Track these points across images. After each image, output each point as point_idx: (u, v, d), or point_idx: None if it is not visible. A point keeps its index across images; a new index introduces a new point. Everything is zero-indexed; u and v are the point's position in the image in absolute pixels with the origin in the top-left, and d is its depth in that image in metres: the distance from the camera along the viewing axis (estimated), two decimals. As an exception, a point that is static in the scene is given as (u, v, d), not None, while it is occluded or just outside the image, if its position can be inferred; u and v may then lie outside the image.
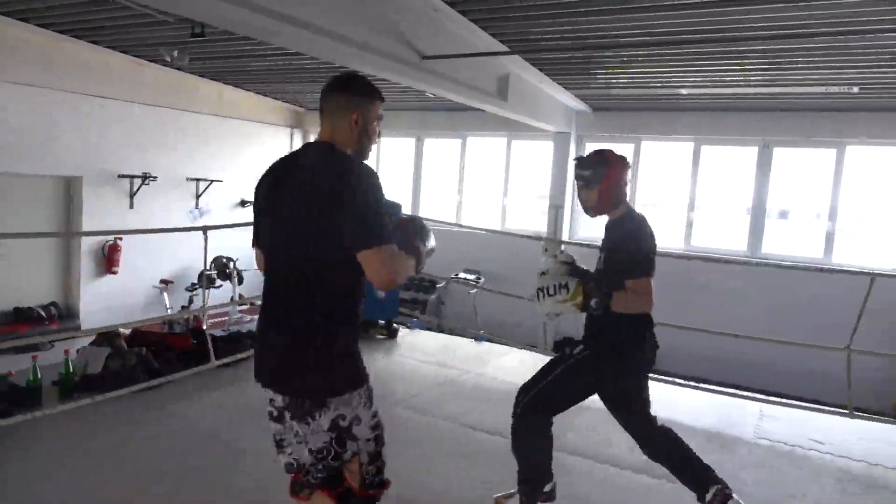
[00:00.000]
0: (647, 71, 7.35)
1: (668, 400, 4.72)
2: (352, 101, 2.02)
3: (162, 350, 4.39)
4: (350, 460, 2.02)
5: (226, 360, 4.56)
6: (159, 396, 4.07)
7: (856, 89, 7.17)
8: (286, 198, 1.97)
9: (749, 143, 8.99)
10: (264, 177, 2.08)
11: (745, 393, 5.08)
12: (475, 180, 11.18)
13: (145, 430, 3.66)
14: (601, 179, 2.80)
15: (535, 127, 9.27)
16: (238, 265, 9.71)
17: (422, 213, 11.18)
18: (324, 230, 1.88)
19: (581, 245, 9.80)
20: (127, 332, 4.60)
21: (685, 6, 5.06)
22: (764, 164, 8.99)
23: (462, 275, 10.38)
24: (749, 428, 4.28)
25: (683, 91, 8.04)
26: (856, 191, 8.69)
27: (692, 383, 5.19)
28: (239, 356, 4.70)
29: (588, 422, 4.20)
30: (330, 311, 1.97)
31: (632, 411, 2.80)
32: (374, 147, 2.13)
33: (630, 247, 2.71)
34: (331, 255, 1.90)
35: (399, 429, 3.95)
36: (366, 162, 2.05)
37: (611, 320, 2.71)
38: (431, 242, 2.14)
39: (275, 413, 2.02)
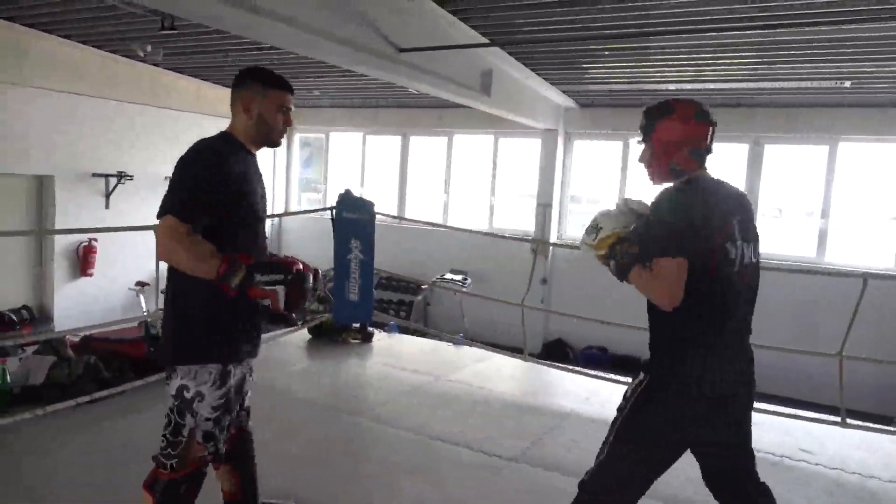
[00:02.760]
0: (632, 65, 7.13)
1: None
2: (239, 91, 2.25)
3: (113, 358, 4.12)
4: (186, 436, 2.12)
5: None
6: (106, 410, 3.80)
7: (848, 84, 6.97)
8: None
9: (740, 140, 8.77)
10: None
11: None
12: (462, 179, 10.95)
13: (80, 447, 3.40)
14: (650, 134, 2.17)
15: (522, 124, 9.04)
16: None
17: (408, 214, 10.94)
18: None
19: (569, 247, 9.63)
20: (76, 339, 4.34)
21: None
22: (755, 162, 8.79)
23: (448, 275, 10.15)
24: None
25: (671, 86, 7.83)
26: (848, 188, 8.49)
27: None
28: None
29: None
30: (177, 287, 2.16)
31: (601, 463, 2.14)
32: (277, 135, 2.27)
33: (657, 216, 2.06)
34: None
35: (360, 442, 3.74)
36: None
37: (654, 325, 2.14)
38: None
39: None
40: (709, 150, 2.14)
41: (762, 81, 7.22)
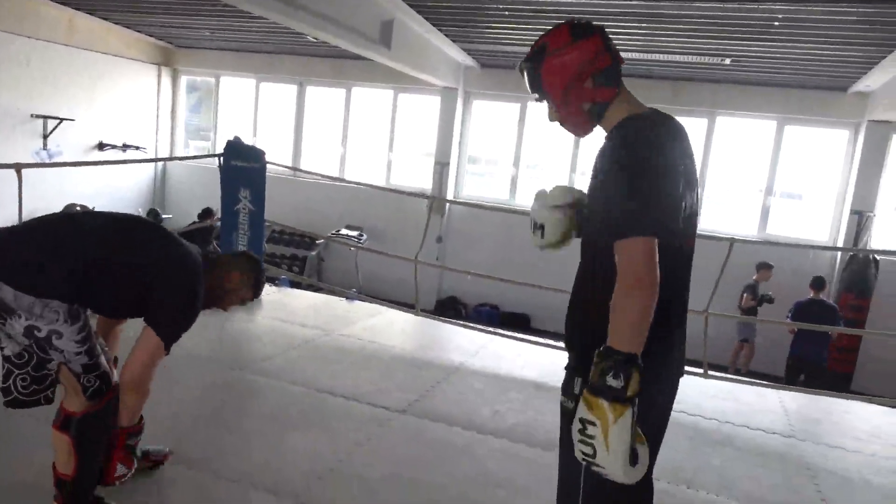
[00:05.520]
0: (529, 27, 7.20)
1: (552, 363, 4.71)
2: None
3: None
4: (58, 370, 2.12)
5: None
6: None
7: (728, 61, 7.41)
8: None
9: (630, 109, 9.13)
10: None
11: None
12: (360, 133, 10.75)
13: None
14: (539, 85, 1.68)
15: (422, 80, 8.96)
16: (95, 214, 8.83)
17: (303, 166, 10.63)
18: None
19: (466, 205, 9.75)
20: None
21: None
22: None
23: (344, 231, 10.03)
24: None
25: (569, 52, 7.98)
26: (723, 160, 9.13)
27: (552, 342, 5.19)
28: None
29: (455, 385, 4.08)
30: None
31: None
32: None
33: (610, 180, 1.57)
34: None
35: (245, 395, 3.66)
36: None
37: (592, 307, 1.64)
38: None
39: None
40: (615, 63, 1.66)
41: (651, 53, 7.53)
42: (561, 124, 1.74)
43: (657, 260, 1.46)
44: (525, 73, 1.71)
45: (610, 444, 1.40)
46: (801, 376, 7.52)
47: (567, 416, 1.63)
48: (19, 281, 2.00)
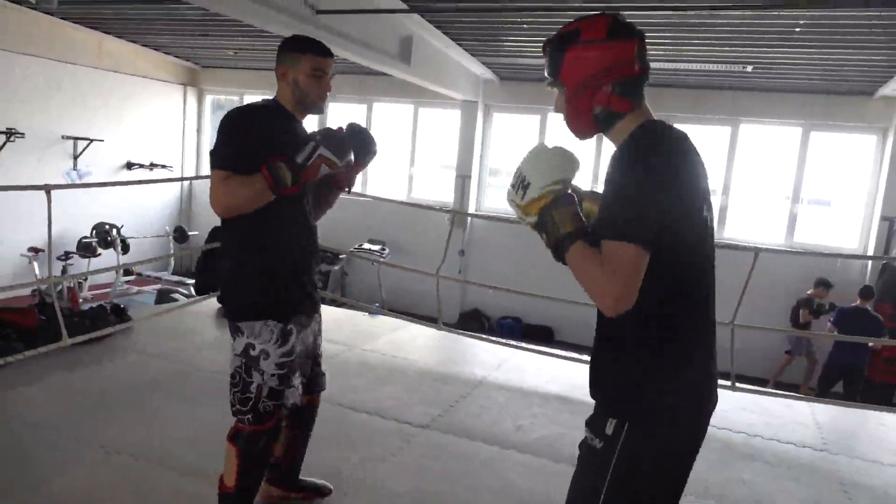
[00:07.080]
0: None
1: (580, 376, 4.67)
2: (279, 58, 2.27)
3: (-1, 328, 3.84)
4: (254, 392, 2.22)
5: (84, 338, 4.07)
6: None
7: (750, 68, 7.34)
8: None
9: (651, 119, 9.08)
10: None
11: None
12: (381, 147, 10.77)
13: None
14: (559, 72, 1.52)
15: (442, 95, 9.02)
16: (123, 232, 9.00)
17: (326, 181, 10.72)
18: None
19: (487, 218, 9.75)
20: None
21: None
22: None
23: (366, 245, 10.08)
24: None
25: (589, 63, 7.98)
26: (747, 168, 9.02)
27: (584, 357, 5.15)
28: (100, 333, 4.22)
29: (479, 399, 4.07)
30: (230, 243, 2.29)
31: None
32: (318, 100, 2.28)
33: (614, 187, 1.44)
34: None
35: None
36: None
37: (618, 331, 1.51)
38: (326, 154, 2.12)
39: None
40: (642, 77, 1.53)
41: (673, 62, 7.49)
42: (564, 119, 1.58)
43: (639, 269, 1.36)
44: (548, 53, 1.55)
45: (510, 197, 1.55)
46: (840, 384, 7.37)
47: (590, 454, 1.55)
48: (238, 315, 2.23)
